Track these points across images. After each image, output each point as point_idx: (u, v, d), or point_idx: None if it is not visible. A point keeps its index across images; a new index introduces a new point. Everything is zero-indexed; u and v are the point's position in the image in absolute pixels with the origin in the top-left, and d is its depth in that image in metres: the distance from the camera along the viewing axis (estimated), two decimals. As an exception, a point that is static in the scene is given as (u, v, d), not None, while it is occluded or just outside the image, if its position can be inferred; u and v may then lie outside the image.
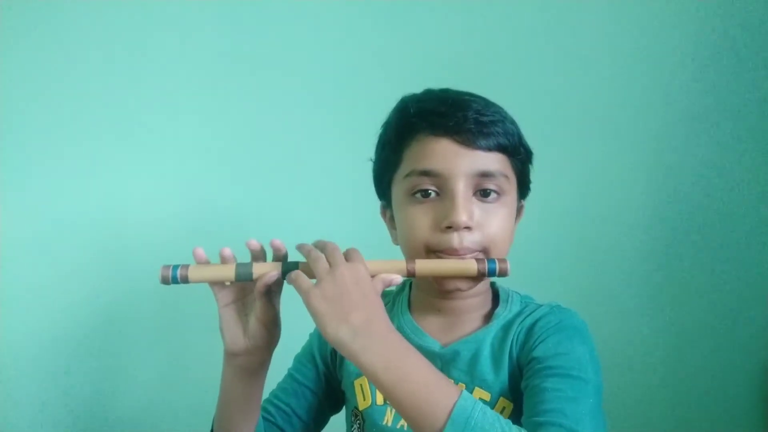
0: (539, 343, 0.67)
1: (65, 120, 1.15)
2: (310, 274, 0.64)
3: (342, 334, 0.57)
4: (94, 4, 1.14)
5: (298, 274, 0.62)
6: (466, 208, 0.67)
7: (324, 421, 0.84)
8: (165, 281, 0.66)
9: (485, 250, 0.69)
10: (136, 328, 1.18)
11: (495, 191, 0.70)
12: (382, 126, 0.77)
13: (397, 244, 0.75)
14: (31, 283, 1.14)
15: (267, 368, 0.72)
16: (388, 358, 0.57)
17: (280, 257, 0.68)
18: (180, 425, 1.16)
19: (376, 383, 0.57)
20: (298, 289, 0.61)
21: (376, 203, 0.81)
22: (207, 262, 0.68)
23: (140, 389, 1.18)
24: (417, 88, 0.75)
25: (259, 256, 0.69)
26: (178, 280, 0.66)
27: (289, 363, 0.85)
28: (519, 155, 0.73)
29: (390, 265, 0.67)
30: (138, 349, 1.18)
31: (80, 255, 1.16)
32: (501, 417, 0.55)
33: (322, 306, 0.59)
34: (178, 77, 1.18)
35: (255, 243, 0.68)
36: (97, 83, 1.15)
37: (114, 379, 1.18)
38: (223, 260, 0.68)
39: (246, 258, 0.69)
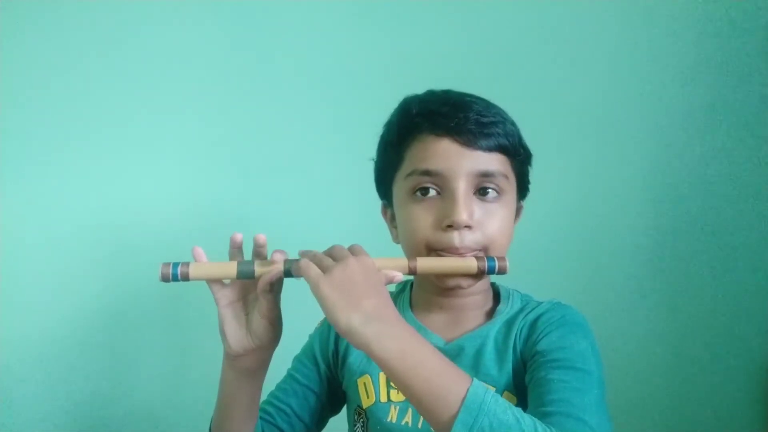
0: (543, 337, 0.68)
1: (66, 120, 1.15)
2: None
3: (354, 321, 0.56)
4: (95, 4, 1.15)
5: (307, 264, 0.62)
6: (467, 207, 0.68)
7: (324, 423, 0.83)
8: (165, 279, 0.65)
9: (485, 249, 0.70)
10: (139, 328, 1.17)
11: (495, 191, 0.71)
12: (384, 126, 0.78)
13: (398, 243, 0.76)
14: (33, 284, 1.13)
15: (267, 368, 0.72)
16: (401, 344, 0.56)
17: (261, 254, 0.68)
18: (183, 425, 1.15)
19: (388, 370, 0.56)
20: (307, 277, 0.61)
21: (377, 203, 0.82)
22: (207, 261, 0.67)
23: (143, 389, 1.17)
24: (419, 89, 0.76)
25: (261, 253, 0.68)
26: (179, 277, 0.65)
27: (287, 364, 0.84)
28: (519, 156, 0.74)
29: (392, 262, 0.67)
30: (141, 349, 1.17)
31: (82, 256, 1.15)
32: (511, 404, 0.56)
33: (332, 294, 0.58)
34: (180, 77, 1.18)
35: (239, 237, 0.67)
36: (98, 83, 1.15)
37: (117, 380, 1.17)
38: (234, 244, 0.67)
39: (248, 256, 0.69)
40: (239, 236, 0.68)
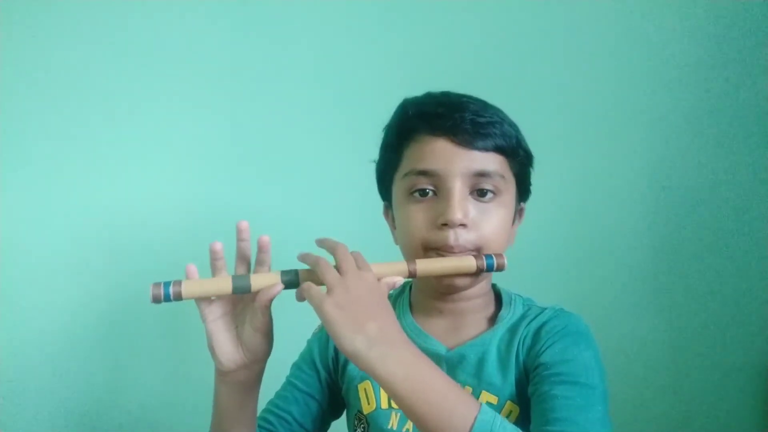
0: (546, 348, 0.67)
1: (66, 121, 1.13)
2: (315, 281, 0.63)
3: (358, 344, 0.56)
4: (96, 4, 1.14)
5: (308, 285, 0.61)
6: (462, 206, 0.68)
7: (324, 428, 0.83)
8: (156, 300, 0.61)
9: (479, 249, 0.70)
10: (138, 331, 1.16)
11: (491, 191, 0.70)
12: (384, 128, 0.78)
13: (399, 244, 0.76)
14: (32, 287, 1.12)
15: (261, 380, 0.71)
16: (406, 367, 0.56)
17: (265, 258, 0.67)
18: (183, 426, 1.15)
19: (393, 394, 0.55)
20: (310, 299, 0.60)
21: (377, 204, 0.81)
22: (199, 278, 0.65)
23: (142, 393, 1.16)
24: (420, 91, 0.76)
25: (264, 259, 0.67)
26: (171, 298, 0.62)
27: (285, 371, 0.83)
28: (517, 157, 0.73)
29: (392, 267, 0.67)
30: (139, 353, 1.16)
31: (81, 259, 1.14)
32: (519, 429, 0.55)
33: (336, 315, 0.57)
34: (180, 77, 1.17)
35: (266, 239, 0.66)
36: (98, 83, 1.14)
37: (115, 383, 1.16)
38: (215, 255, 0.66)
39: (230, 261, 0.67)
40: (219, 245, 0.66)
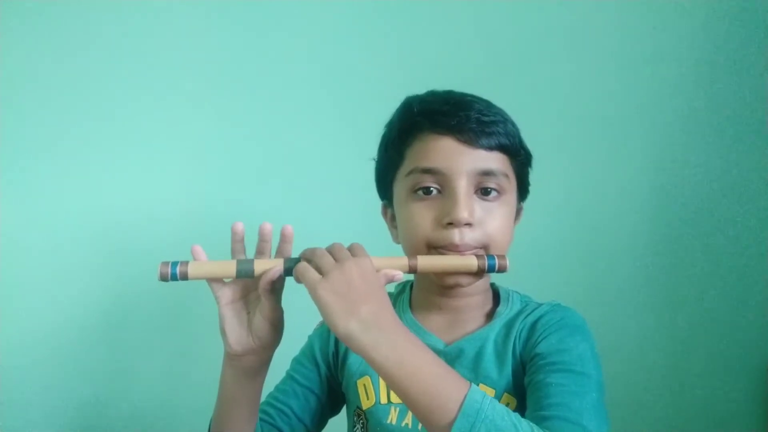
0: (542, 339, 0.68)
1: (66, 120, 1.14)
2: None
3: (352, 327, 0.56)
4: (95, 4, 1.14)
5: (305, 267, 0.61)
6: (468, 205, 0.68)
7: (323, 423, 0.83)
8: (164, 278, 0.64)
9: (485, 248, 0.70)
10: (138, 328, 1.17)
11: (495, 190, 0.71)
12: (386, 126, 0.78)
13: (398, 243, 0.76)
14: (33, 286, 1.13)
15: (268, 368, 0.72)
16: (399, 351, 0.56)
17: (265, 248, 0.68)
18: (183, 425, 1.15)
19: (385, 377, 0.56)
20: (306, 281, 0.60)
21: (378, 203, 0.81)
22: (206, 260, 0.67)
23: (143, 391, 1.17)
24: (420, 90, 0.76)
25: (265, 248, 0.68)
26: (177, 277, 0.64)
27: (286, 365, 0.84)
28: (519, 156, 0.74)
29: (392, 261, 0.67)
30: (140, 351, 1.17)
31: (82, 257, 1.14)
32: (509, 410, 0.56)
33: (330, 298, 0.58)
34: (180, 77, 1.18)
35: (268, 227, 0.67)
36: (98, 83, 1.15)
37: (116, 381, 1.17)
38: (236, 237, 0.67)
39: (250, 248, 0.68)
40: (240, 226, 0.67)
